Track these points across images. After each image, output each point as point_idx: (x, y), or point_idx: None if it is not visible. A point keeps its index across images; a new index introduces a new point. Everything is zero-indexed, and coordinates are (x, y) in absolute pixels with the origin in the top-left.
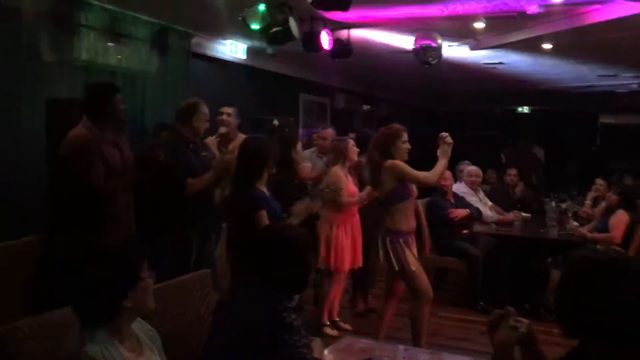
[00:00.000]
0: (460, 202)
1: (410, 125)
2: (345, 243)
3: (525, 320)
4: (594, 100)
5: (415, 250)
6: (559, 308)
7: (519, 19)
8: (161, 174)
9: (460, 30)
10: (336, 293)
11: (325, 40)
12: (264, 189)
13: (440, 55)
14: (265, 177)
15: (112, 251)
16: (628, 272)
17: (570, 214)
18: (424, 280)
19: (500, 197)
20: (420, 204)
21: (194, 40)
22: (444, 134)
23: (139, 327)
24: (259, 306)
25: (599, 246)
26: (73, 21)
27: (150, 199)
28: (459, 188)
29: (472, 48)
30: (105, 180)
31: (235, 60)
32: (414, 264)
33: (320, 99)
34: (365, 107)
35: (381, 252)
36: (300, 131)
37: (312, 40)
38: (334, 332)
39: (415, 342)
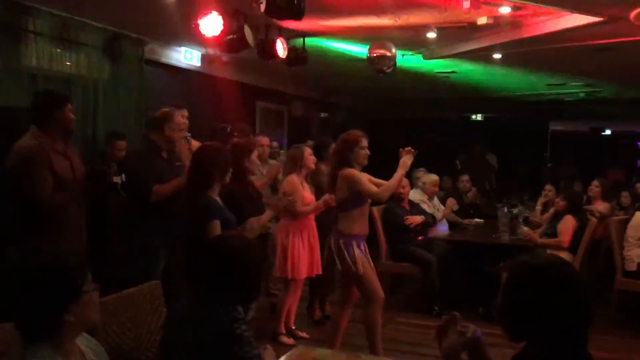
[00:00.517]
0: (416, 208)
1: (367, 132)
2: (301, 250)
3: (472, 326)
4: (544, 108)
5: (368, 255)
6: (502, 313)
7: (470, 29)
8: (127, 179)
9: (413, 39)
10: (293, 301)
11: (280, 48)
12: (217, 199)
13: (394, 64)
14: (218, 187)
15: (52, 264)
16: (565, 277)
17: (521, 219)
18: (374, 283)
19: None
20: (376, 210)
21: (148, 46)
22: (407, 149)
23: (84, 342)
24: (209, 318)
25: (548, 251)
26: (20, 27)
27: (102, 208)
28: (415, 195)
29: (426, 57)
30: (53, 191)
31: (189, 67)
32: (364, 267)
33: (277, 106)
34: (323, 114)
35: (326, 254)
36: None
37: (267, 48)
38: (290, 341)
39: (372, 347)
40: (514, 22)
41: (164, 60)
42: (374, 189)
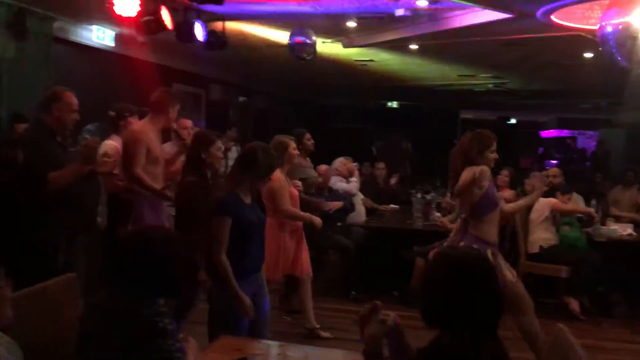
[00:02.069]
0: (335, 195)
1: (288, 117)
2: (301, 246)
3: (392, 314)
4: (456, 98)
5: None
6: (421, 301)
7: (388, 20)
8: (20, 169)
9: (333, 28)
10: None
11: (199, 31)
12: (243, 196)
13: (314, 51)
14: (248, 184)
15: None
16: (481, 270)
17: (434, 205)
18: (522, 288)
19: (370, 189)
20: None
21: (57, 24)
22: None
23: None
24: (129, 312)
25: None
26: None
27: (10, 197)
28: (335, 180)
29: (345, 45)
30: None
31: (102, 47)
32: (511, 275)
33: (194, 89)
34: (242, 98)
35: None
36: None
37: (185, 31)
38: (327, 334)
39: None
40: (430, 15)
41: (74, 39)
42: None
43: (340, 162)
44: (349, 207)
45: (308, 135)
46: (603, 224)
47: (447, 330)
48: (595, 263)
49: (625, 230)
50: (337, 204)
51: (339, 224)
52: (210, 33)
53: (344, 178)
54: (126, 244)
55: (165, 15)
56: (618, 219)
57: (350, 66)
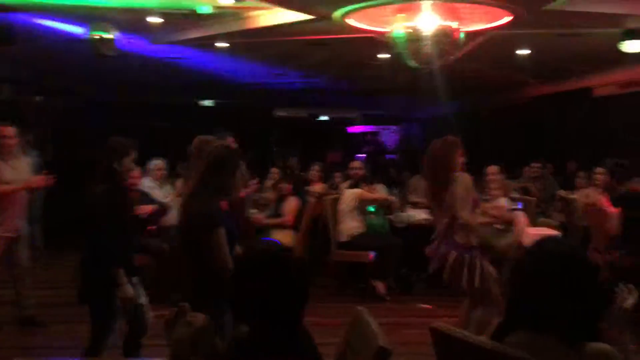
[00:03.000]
0: (146, 197)
1: (94, 117)
2: None
3: (200, 315)
4: (269, 96)
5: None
6: (231, 299)
7: (193, 17)
8: None
9: (137, 23)
10: None
11: None
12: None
13: (116, 47)
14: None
15: None
16: (285, 264)
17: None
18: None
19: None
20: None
21: None
22: None
23: None
24: None
25: (275, 231)
26: None
27: None
28: (145, 183)
29: (151, 42)
30: None
31: None
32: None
33: None
34: (39, 98)
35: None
36: None
37: None
38: None
39: None
40: (236, 14)
41: None
42: (465, 210)
43: (155, 166)
44: (162, 211)
45: (231, 139)
46: (403, 210)
47: (257, 324)
48: (397, 247)
49: (420, 215)
50: (149, 208)
51: (150, 227)
52: None
53: (158, 182)
54: None
55: None
56: (415, 205)
57: (160, 63)
